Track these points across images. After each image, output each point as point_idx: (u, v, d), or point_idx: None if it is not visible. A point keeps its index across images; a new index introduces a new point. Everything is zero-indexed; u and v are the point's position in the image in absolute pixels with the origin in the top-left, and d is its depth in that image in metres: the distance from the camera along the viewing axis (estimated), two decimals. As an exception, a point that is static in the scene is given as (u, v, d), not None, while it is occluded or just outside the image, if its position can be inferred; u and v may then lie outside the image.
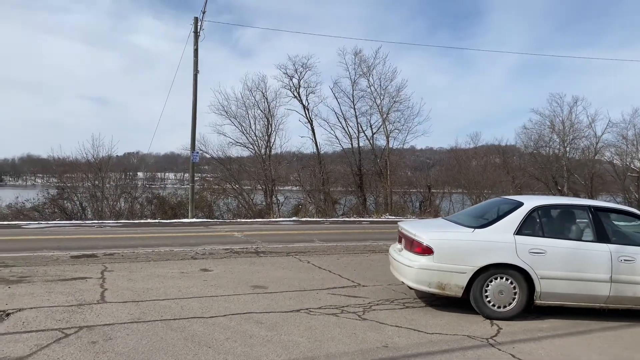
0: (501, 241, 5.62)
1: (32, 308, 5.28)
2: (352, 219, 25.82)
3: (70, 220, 23.94)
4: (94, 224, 17.29)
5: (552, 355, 4.44)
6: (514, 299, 5.58)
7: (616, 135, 50.00)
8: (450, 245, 5.69)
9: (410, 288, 6.08)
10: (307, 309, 5.72)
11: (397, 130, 35.95)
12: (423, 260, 5.66)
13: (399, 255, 6.24)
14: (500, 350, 4.53)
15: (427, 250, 5.65)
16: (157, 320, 5.03)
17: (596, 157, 49.33)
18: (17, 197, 27.16)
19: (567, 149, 47.92)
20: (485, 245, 5.61)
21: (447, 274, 5.57)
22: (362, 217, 27.04)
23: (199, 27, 22.78)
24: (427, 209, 33.24)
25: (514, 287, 5.57)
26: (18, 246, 10.21)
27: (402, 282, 6.12)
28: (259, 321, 5.15)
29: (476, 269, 5.52)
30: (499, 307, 5.59)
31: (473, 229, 5.84)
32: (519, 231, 5.71)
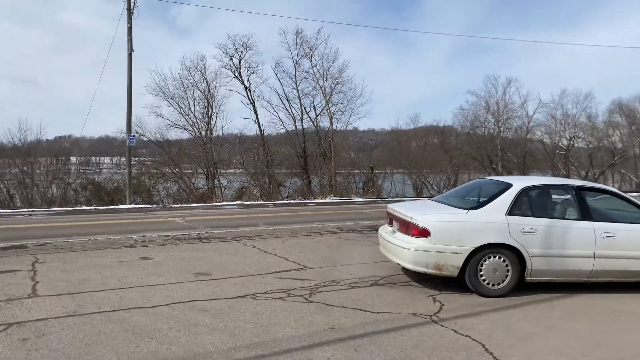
0: (494, 222, 5.80)
1: (-47, 306, 4.90)
2: (297, 201, 25.83)
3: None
4: (23, 213, 16.32)
5: (491, 329, 4.60)
6: (506, 276, 5.79)
7: (546, 115, 52.61)
8: (446, 227, 5.81)
9: (404, 269, 6.13)
10: (252, 294, 5.64)
11: (340, 112, 36.12)
12: (420, 242, 5.75)
13: (393, 237, 6.32)
14: (443, 326, 4.64)
15: (423, 233, 5.74)
16: (95, 313, 4.79)
17: (528, 136, 51.75)
18: None
19: (502, 128, 49.92)
20: (480, 226, 5.78)
21: (444, 254, 5.70)
22: (307, 199, 27.09)
23: (132, 3, 21.73)
24: (370, 190, 33.77)
25: (507, 266, 5.77)
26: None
27: (398, 263, 6.22)
28: (204, 309, 5.02)
29: (472, 249, 5.67)
30: (492, 285, 5.78)
31: (466, 211, 6.00)
32: (510, 211, 5.91)
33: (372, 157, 42.48)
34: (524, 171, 48.32)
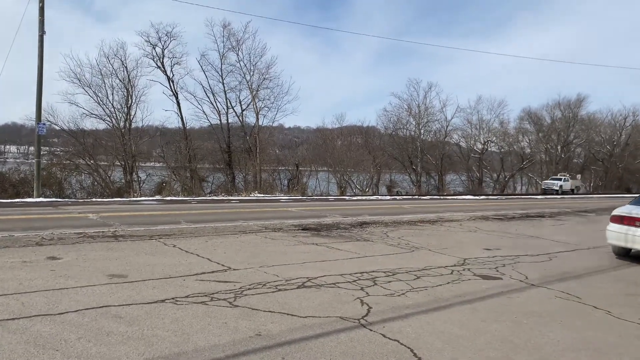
0: None
1: None
2: (220, 197, 25.21)
3: None
4: None
5: (419, 332, 4.61)
6: None
7: (463, 120, 55.47)
8: None
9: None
10: (172, 298, 5.30)
11: (266, 108, 35.84)
12: None
13: None
14: (371, 330, 4.59)
15: None
16: (-10, 322, 4.26)
17: (446, 139, 54.14)
18: None
19: (422, 131, 51.87)
20: None
21: None
22: (231, 196, 26.54)
23: (45, -19, 20.10)
24: (295, 187, 33.75)
25: None
26: None
27: None
28: (118, 315, 4.63)
29: None
30: None
31: None
32: None
33: (298, 155, 42.59)
34: (441, 172, 50.48)
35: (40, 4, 20.09)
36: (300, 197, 26.81)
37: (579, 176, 52.46)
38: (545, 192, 46.40)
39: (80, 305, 4.89)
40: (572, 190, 48.49)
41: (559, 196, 41.87)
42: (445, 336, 4.56)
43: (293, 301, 5.44)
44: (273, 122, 37.49)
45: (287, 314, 4.94)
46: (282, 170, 38.28)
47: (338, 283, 6.34)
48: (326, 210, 17.39)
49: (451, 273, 7.36)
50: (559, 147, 58.20)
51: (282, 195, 28.15)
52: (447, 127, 53.06)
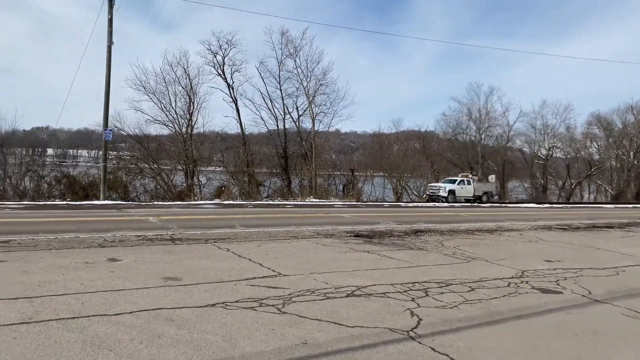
0: None
1: None
2: (276, 202, 25.55)
3: (-35, 200, 21.78)
4: (-10, 206, 15.75)
5: (470, 347, 4.43)
6: None
7: (526, 125, 53.57)
8: None
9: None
10: (223, 302, 5.38)
11: (322, 113, 36.15)
12: None
13: None
14: (420, 343, 4.46)
15: None
16: (52, 320, 4.49)
17: (508, 145, 52.47)
18: None
19: (483, 136, 50.63)
20: None
21: None
22: (287, 200, 26.85)
23: (113, -6, 21.21)
24: (350, 192, 33.73)
25: None
26: None
27: None
28: (170, 318, 4.75)
29: None
30: None
31: None
32: None
33: (353, 160, 42.51)
34: (503, 179, 48.86)
35: (109, 16, 21.20)
36: (354, 203, 26.72)
37: (492, 177, 40.69)
38: (431, 199, 35.30)
39: (135, 307, 5.06)
40: (481, 196, 36.63)
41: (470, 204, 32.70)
42: (498, 352, 4.36)
43: (341, 310, 5.38)
44: (329, 128, 37.75)
45: (335, 323, 4.89)
46: (338, 175, 38.38)
47: (388, 293, 6.23)
48: (380, 217, 17.21)
49: (508, 285, 7.05)
50: (631, 154, 54.80)
51: (336, 200, 28.18)
52: (509, 132, 51.47)
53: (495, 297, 6.31)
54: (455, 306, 5.78)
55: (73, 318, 4.60)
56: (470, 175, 37.42)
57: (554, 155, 53.18)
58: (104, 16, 21.45)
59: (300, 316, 5.05)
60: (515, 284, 7.20)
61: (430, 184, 37.79)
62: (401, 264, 8.29)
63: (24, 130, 31.99)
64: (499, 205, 33.41)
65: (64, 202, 20.48)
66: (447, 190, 34.66)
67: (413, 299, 5.97)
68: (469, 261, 8.93)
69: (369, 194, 37.93)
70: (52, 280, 5.93)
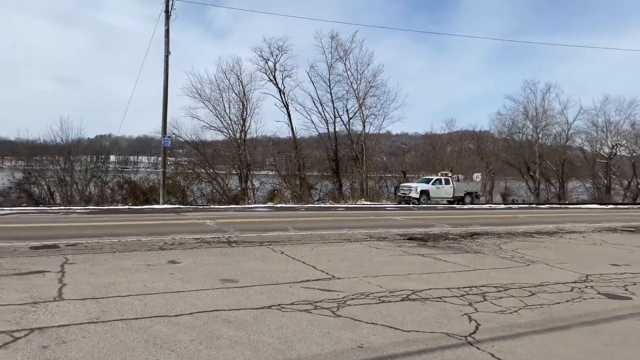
0: None
1: (-21, 308, 4.89)
2: (327, 205, 25.65)
3: (38, 205, 23.18)
4: (60, 211, 16.68)
5: (532, 354, 4.28)
6: None
7: (587, 122, 51.11)
8: None
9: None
10: (279, 305, 5.45)
11: (373, 116, 36.02)
12: None
13: None
14: (479, 349, 4.34)
15: None
16: (117, 320, 4.69)
17: (567, 144, 50.27)
18: (-20, 182, 26.17)
19: (540, 135, 48.75)
20: None
21: None
22: (338, 203, 26.90)
23: (170, 6, 22.02)
24: (402, 195, 33.27)
25: None
26: (-26, 236, 9.67)
27: None
28: (228, 320, 4.86)
29: None
30: None
31: None
32: None
33: (405, 162, 42.07)
34: (562, 179, 46.89)
35: (166, 27, 21.99)
36: (406, 206, 26.39)
37: (477, 176, 35.24)
38: (403, 200, 31.01)
39: (194, 308, 5.21)
40: (463, 197, 32.52)
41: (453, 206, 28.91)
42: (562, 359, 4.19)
43: (396, 314, 5.33)
44: (380, 130, 37.57)
45: (390, 327, 4.85)
46: (389, 178, 38.05)
47: (444, 297, 6.11)
48: (434, 219, 16.92)
49: (571, 290, 6.76)
50: None
51: (388, 203, 27.95)
52: (568, 130, 49.31)
53: (558, 302, 6.06)
54: (515, 311, 5.60)
55: (136, 319, 4.79)
56: (450, 174, 33.67)
57: (618, 153, 50.42)
58: (161, 27, 22.29)
59: (355, 319, 5.04)
60: (579, 288, 6.89)
61: (402, 184, 33.41)
62: (457, 268, 8.12)
63: (88, 138, 33.76)
64: (558, 206, 32.08)
65: (126, 207, 21.41)
66: (418, 190, 30.68)
67: (470, 304, 5.83)
68: (528, 265, 8.62)
69: (421, 196, 37.31)
70: (117, 282, 6.20)
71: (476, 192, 33.88)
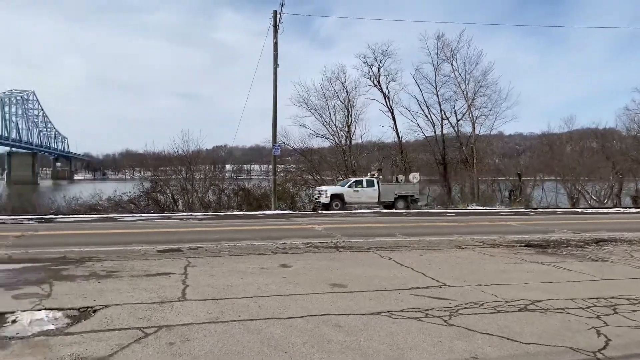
0: None
1: (116, 305, 5.42)
2: (435, 210, 25.00)
3: (163, 212, 25.26)
4: (182, 217, 18.03)
5: (675, 377, 3.81)
6: None
7: None
8: None
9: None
10: (388, 311, 5.40)
11: (483, 116, 34.54)
12: None
13: None
14: (610, 367, 3.96)
15: None
16: (235, 321, 4.95)
17: None
18: (115, 191, 29.08)
19: (677, 130, 43.31)
20: None
21: None
22: (447, 208, 26.09)
23: (278, 20, 22.94)
24: (518, 199, 31.49)
25: None
26: (111, 240, 10.79)
27: None
28: (338, 324, 4.91)
29: None
30: None
31: None
32: None
33: (520, 164, 39.74)
34: None
35: (274, 40, 22.95)
36: (522, 210, 24.90)
37: (414, 176, 28.96)
38: (317, 205, 26.92)
39: (305, 311, 5.33)
40: (394, 202, 27.28)
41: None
42: None
43: (513, 325, 5.03)
44: (491, 131, 35.90)
45: (507, 339, 4.59)
46: (502, 181, 36.16)
47: (567, 308, 5.65)
48: (553, 224, 15.78)
49: None
50: None
51: (502, 207, 26.57)
52: None
53: None
54: (654, 327, 5.02)
55: (252, 320, 5.01)
56: (376, 175, 28.87)
57: None
58: (270, 40, 23.30)
59: (468, 329, 4.84)
60: None
61: (317, 187, 29.36)
62: (581, 277, 7.48)
63: (206, 149, 36.15)
64: None
65: (241, 213, 22.60)
66: (329, 195, 26.11)
67: (598, 317, 5.34)
68: (668, 276, 7.70)
69: (539, 200, 34.94)
70: (233, 284, 6.54)
71: (412, 196, 28.11)
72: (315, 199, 27.78)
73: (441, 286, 6.68)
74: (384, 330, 4.76)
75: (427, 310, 5.48)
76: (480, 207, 26.50)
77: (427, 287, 6.59)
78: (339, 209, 25.34)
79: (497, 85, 34.36)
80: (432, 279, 7.11)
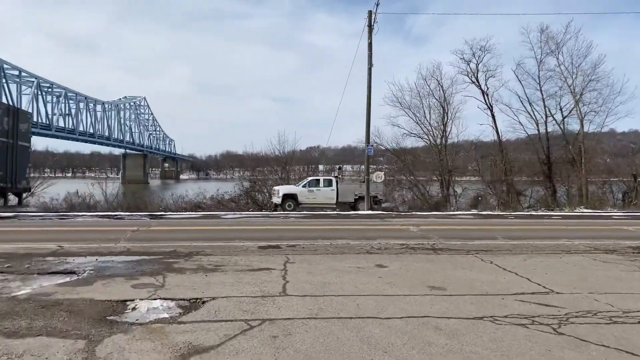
0: None
1: (223, 297, 5.73)
2: (539, 212, 23.60)
3: (261, 210, 26.27)
4: (279, 215, 18.64)
5: None
6: None
7: None
8: None
9: None
10: (491, 316, 5.20)
11: (593, 112, 31.97)
12: None
13: None
14: None
15: None
16: (334, 318, 5.03)
17: None
18: (218, 190, 30.73)
19: None
20: None
21: None
22: (552, 211, 24.54)
23: (372, 20, 22.92)
24: (634, 201, 28.83)
25: None
26: (216, 236, 11.42)
27: None
28: (438, 327, 4.81)
29: None
30: None
31: None
32: None
33: (636, 163, 36.32)
34: None
35: (369, 40, 22.94)
36: (639, 214, 22.77)
37: (378, 176, 26.30)
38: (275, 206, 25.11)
39: (404, 312, 5.29)
40: (354, 203, 25.37)
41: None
42: None
43: (634, 337, 4.62)
44: (602, 128, 33.14)
45: (627, 352, 4.23)
46: (615, 182, 33.31)
47: (700, 323, 5.09)
48: (678, 230, 14.27)
49: None
50: None
51: (615, 210, 24.49)
52: None
53: None
54: None
55: (350, 318, 5.06)
56: (334, 175, 27.12)
57: None
58: (364, 41, 23.31)
59: (581, 339, 4.52)
60: None
61: (274, 187, 27.63)
62: None
63: (300, 150, 37.17)
64: None
65: (335, 212, 22.87)
66: (280, 195, 25.25)
67: None
68: None
69: (658, 202, 31.79)
70: (331, 282, 6.65)
71: (376, 196, 26.25)
72: (269, 199, 27.31)
73: (548, 293, 6.30)
74: (487, 336, 4.59)
75: (534, 317, 5.20)
76: (590, 210, 24.58)
77: (533, 293, 6.25)
78: (291, 210, 24.75)
79: (609, 78, 31.58)
80: (538, 284, 6.73)
